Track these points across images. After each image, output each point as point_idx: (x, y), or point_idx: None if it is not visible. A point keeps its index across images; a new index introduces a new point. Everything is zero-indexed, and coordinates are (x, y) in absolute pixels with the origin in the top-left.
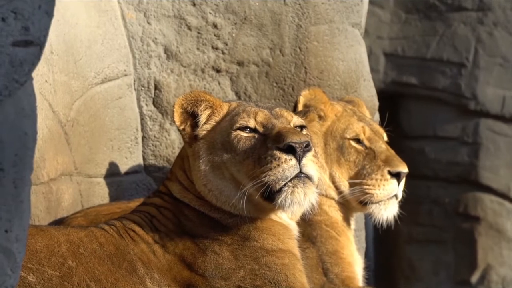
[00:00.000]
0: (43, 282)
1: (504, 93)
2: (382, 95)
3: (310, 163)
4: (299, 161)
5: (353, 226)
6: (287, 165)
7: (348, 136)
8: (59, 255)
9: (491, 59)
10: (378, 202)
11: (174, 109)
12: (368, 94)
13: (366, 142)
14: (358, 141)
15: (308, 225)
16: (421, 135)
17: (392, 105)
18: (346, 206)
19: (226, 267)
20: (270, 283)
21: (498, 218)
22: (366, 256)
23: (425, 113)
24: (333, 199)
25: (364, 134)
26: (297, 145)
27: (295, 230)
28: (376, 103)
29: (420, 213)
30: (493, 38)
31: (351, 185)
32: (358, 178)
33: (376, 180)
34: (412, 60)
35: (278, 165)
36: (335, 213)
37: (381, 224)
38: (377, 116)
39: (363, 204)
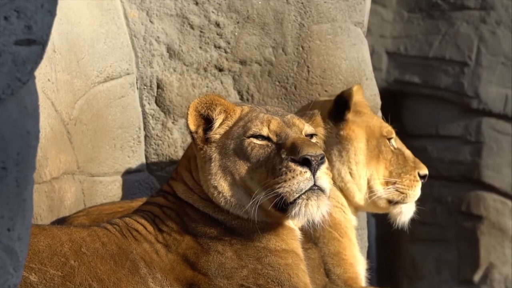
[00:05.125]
0: (45, 282)
1: (506, 92)
2: (385, 94)
3: (324, 176)
4: (313, 173)
5: (355, 223)
6: (302, 178)
7: (385, 134)
8: (61, 255)
9: (493, 58)
10: (407, 203)
11: (189, 112)
12: (371, 93)
13: (393, 142)
14: (390, 140)
15: None
16: (424, 134)
17: (394, 104)
18: (358, 207)
19: (229, 266)
20: (273, 282)
21: (500, 217)
22: (369, 255)
23: (428, 112)
24: (354, 199)
25: (393, 134)
26: (312, 158)
27: (298, 232)
28: (378, 102)
29: (423, 212)
30: (495, 37)
31: (386, 183)
32: (393, 177)
33: (410, 180)
34: (414, 59)
35: (293, 177)
36: (338, 215)
37: (398, 225)
38: (379, 115)
39: (394, 203)
